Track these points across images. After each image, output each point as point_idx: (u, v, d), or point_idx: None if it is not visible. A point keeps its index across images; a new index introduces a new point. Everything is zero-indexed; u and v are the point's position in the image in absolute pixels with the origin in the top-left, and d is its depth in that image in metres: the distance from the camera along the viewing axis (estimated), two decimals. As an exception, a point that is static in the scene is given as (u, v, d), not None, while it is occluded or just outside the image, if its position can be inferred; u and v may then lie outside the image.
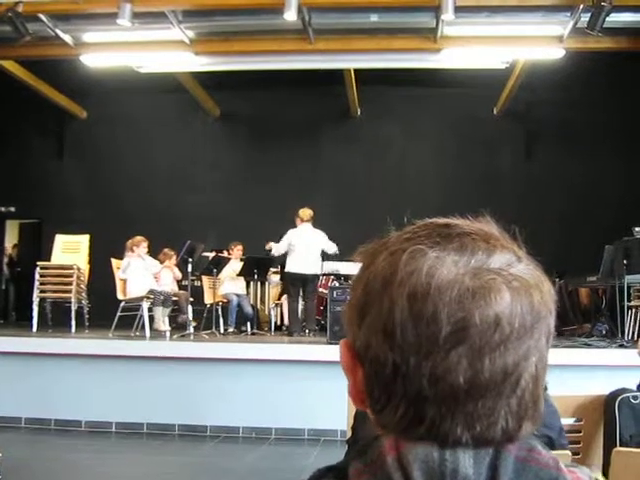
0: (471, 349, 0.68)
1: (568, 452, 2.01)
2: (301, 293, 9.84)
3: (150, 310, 8.86)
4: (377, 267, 0.73)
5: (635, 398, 2.86)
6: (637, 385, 3.10)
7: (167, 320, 9.07)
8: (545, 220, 12.18)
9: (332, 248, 9.73)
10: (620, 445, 2.83)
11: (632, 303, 8.83)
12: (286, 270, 9.82)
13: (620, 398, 2.85)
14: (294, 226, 9.85)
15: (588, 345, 7.61)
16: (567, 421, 2.95)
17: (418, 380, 0.69)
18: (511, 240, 0.76)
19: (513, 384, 0.69)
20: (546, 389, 1.92)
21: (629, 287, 8.56)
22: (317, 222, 10.01)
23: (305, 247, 9.59)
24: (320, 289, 10.76)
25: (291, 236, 9.70)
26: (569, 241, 11.50)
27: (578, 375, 6.71)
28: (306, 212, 9.80)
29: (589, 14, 8.43)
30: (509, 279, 0.70)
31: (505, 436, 0.70)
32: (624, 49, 9.88)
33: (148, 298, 8.88)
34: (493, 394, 0.69)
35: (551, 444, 1.89)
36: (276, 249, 9.83)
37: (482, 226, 0.75)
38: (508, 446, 0.71)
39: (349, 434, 2.04)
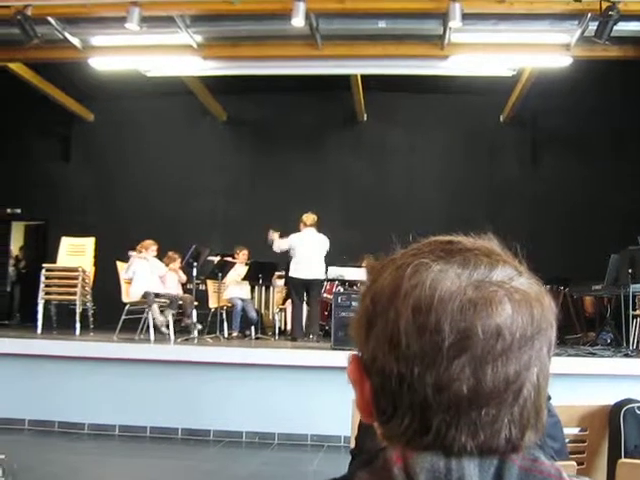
0: (474, 358, 0.70)
1: (573, 463, 2.01)
2: (305, 298, 9.84)
3: (145, 312, 8.90)
4: (383, 281, 0.76)
5: (640, 408, 2.85)
6: (642, 396, 3.09)
7: (172, 323, 9.06)
8: (551, 228, 12.17)
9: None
10: (625, 455, 2.82)
11: (637, 312, 8.82)
12: (289, 275, 9.81)
13: (625, 408, 2.85)
14: (299, 231, 9.86)
15: (593, 354, 7.58)
16: (572, 431, 2.94)
17: (423, 389, 0.71)
18: (512, 256, 0.78)
19: (515, 393, 0.71)
20: (549, 399, 1.92)
21: (634, 296, 8.55)
22: (323, 227, 10.01)
23: (308, 252, 9.58)
24: (325, 294, 10.76)
25: (294, 239, 9.70)
26: (575, 249, 11.47)
27: (583, 384, 6.70)
28: (310, 217, 9.80)
29: (597, 23, 8.43)
30: (510, 291, 0.72)
31: (509, 445, 0.72)
32: (631, 57, 9.88)
33: (142, 302, 8.91)
34: (496, 402, 0.71)
35: (556, 455, 1.88)
36: (277, 244, 9.81)
37: (484, 243, 0.78)
38: (512, 456, 0.73)
39: (353, 443, 2.04)
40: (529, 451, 0.74)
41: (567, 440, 2.80)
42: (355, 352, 0.79)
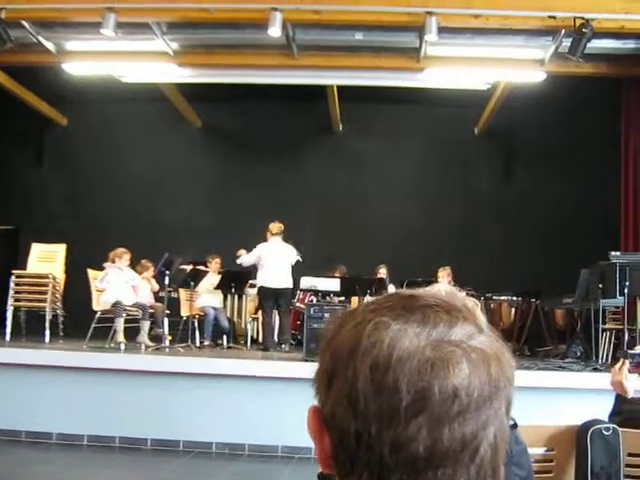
0: (431, 419, 0.70)
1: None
2: (275, 307, 9.83)
3: (114, 321, 8.82)
4: (343, 337, 0.76)
5: (607, 430, 2.88)
6: (608, 415, 3.12)
7: (146, 334, 9.00)
8: (523, 241, 12.28)
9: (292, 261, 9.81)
10: (591, 476, 2.85)
11: (607, 326, 8.92)
12: (258, 285, 9.82)
13: (592, 429, 2.87)
14: (266, 240, 9.86)
15: (562, 368, 7.65)
16: (539, 451, 2.96)
17: (380, 448, 0.71)
18: (473, 311, 0.78)
19: (472, 453, 0.71)
20: (515, 426, 1.93)
21: (604, 310, 8.64)
22: (297, 236, 10.02)
23: (275, 261, 9.60)
24: (297, 304, 10.76)
25: (261, 250, 9.71)
26: (546, 262, 11.57)
27: (552, 398, 6.76)
28: (275, 226, 9.81)
29: (570, 39, 8.53)
30: (468, 351, 0.72)
31: None
32: (604, 74, 10.02)
33: (112, 310, 8.83)
34: (452, 463, 0.70)
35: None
36: (244, 259, 9.83)
37: (446, 297, 0.77)
38: None
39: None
40: None
41: (534, 460, 2.82)
42: (317, 404, 0.78)
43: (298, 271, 9.94)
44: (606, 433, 2.87)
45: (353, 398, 0.72)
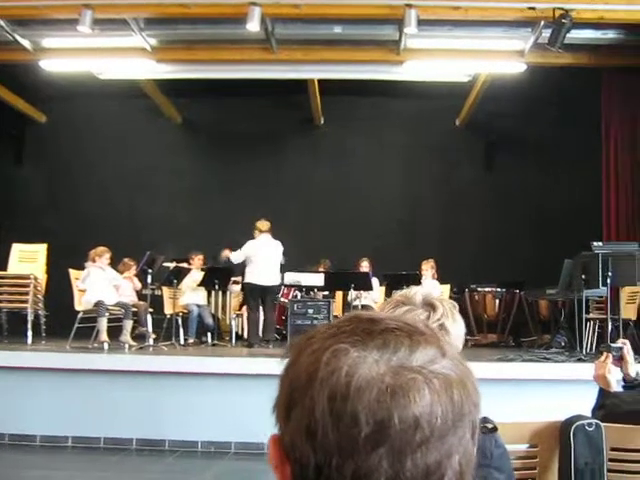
0: (392, 450, 0.67)
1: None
2: (261, 304, 9.80)
3: (96, 321, 8.75)
4: (301, 365, 0.73)
5: (590, 425, 2.86)
6: (592, 409, 3.11)
7: (128, 332, 8.94)
8: (505, 232, 12.29)
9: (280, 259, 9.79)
10: (575, 472, 2.84)
11: (590, 316, 8.95)
12: (245, 281, 9.79)
13: (575, 425, 2.85)
14: (254, 237, 9.82)
15: (547, 359, 7.67)
16: (521, 447, 2.95)
17: None
18: (437, 334, 0.74)
19: None
20: (495, 430, 1.91)
21: (587, 300, 8.67)
22: (280, 232, 9.96)
23: (263, 258, 9.55)
24: (282, 299, 10.73)
25: (250, 247, 9.65)
26: (529, 253, 11.60)
27: (536, 389, 6.79)
28: (264, 223, 9.75)
29: (550, 30, 8.53)
30: (430, 377, 0.69)
31: None
32: (584, 64, 10.04)
33: (95, 310, 8.76)
34: None
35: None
36: (234, 257, 9.77)
37: (408, 320, 0.74)
38: None
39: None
40: None
41: (517, 457, 2.81)
42: (277, 434, 0.76)
43: (282, 266, 9.90)
44: (589, 429, 2.86)
45: (312, 429, 0.69)
